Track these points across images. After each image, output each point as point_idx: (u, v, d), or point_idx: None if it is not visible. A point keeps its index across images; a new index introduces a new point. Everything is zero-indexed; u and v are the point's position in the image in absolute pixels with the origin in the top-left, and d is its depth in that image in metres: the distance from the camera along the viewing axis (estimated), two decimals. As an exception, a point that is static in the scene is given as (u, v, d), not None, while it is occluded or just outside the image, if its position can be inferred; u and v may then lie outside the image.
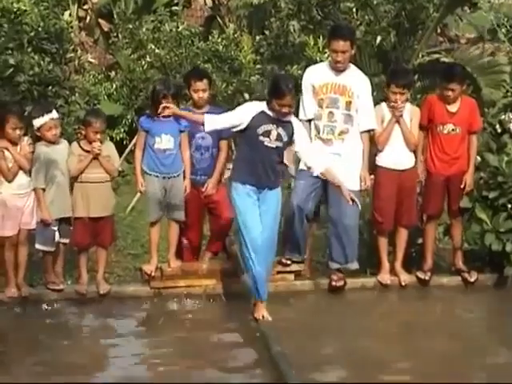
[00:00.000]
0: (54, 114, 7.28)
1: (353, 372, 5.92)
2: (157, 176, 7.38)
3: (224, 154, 7.57)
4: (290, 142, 6.52)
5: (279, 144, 6.44)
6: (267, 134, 6.40)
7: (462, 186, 7.56)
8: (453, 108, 7.55)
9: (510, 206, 7.62)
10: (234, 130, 6.59)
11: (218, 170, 7.53)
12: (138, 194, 8.85)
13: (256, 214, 6.45)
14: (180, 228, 7.60)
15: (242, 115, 6.48)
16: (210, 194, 7.46)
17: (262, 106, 6.48)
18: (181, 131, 7.37)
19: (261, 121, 6.40)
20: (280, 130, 6.42)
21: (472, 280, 7.69)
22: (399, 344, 6.54)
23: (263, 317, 6.56)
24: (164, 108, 6.68)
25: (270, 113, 6.42)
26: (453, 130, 7.53)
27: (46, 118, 7.17)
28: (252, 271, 6.50)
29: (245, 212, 6.46)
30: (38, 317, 7.02)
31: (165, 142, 7.33)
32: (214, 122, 6.56)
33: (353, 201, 6.54)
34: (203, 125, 6.59)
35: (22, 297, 7.17)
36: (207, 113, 7.11)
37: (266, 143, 6.40)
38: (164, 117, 7.23)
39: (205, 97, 7.45)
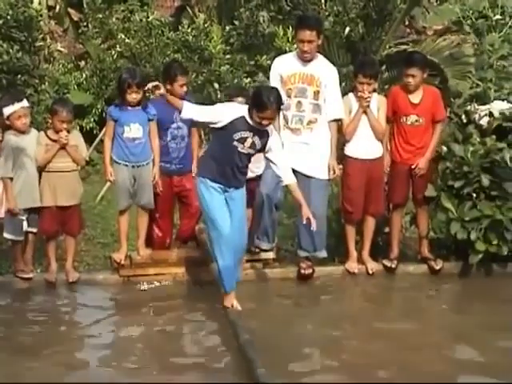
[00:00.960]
0: (25, 103, 7.20)
1: (321, 357, 5.91)
2: (126, 165, 7.33)
3: (196, 140, 7.61)
4: (263, 150, 6.40)
5: (251, 151, 6.34)
6: (242, 140, 6.26)
7: (416, 170, 7.57)
8: (415, 99, 7.56)
9: (474, 195, 7.64)
10: (210, 125, 6.49)
11: (195, 157, 7.56)
12: (108, 184, 8.79)
13: (224, 210, 6.36)
14: (151, 217, 7.57)
15: (222, 115, 6.29)
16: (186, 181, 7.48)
17: (242, 110, 6.28)
18: (149, 120, 7.33)
19: (239, 126, 6.24)
20: (256, 138, 6.28)
21: (438, 268, 7.72)
22: (364, 327, 6.53)
23: (233, 306, 6.52)
24: (155, 88, 6.49)
25: (249, 120, 6.24)
26: (416, 120, 7.55)
27: (16, 107, 7.08)
28: (218, 265, 6.45)
29: (213, 207, 6.36)
30: (7, 304, 6.96)
31: (134, 130, 7.29)
32: (192, 111, 6.43)
33: (309, 221, 6.42)
34: (181, 111, 6.47)
35: (-9, 285, 7.12)
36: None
37: (239, 149, 6.28)
38: (132, 106, 7.20)
39: (184, 90, 7.48)
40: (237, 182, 6.41)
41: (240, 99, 7.42)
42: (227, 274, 6.44)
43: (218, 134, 6.38)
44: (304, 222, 6.45)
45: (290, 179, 6.50)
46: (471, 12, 12.40)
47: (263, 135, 6.31)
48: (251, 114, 6.21)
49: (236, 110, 6.33)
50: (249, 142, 6.27)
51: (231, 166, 6.33)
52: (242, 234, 6.49)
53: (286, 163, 6.52)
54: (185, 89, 7.50)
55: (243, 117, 6.25)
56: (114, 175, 7.35)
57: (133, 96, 7.24)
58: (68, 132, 7.19)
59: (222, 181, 6.35)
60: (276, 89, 6.50)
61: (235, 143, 6.25)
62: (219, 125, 6.29)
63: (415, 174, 7.60)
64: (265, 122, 6.20)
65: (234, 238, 6.35)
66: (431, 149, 7.63)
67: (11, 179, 7.07)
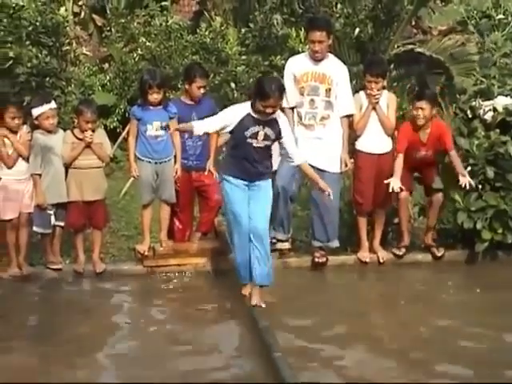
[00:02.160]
0: (53, 104, 7.25)
1: (336, 345, 5.88)
2: (149, 161, 7.36)
3: (215, 138, 7.58)
4: (278, 137, 6.33)
5: (267, 143, 6.29)
6: (255, 135, 6.21)
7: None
8: (424, 137, 7.50)
9: (480, 186, 7.63)
10: (223, 131, 6.45)
11: (213, 154, 7.52)
12: (131, 179, 8.82)
13: (244, 206, 6.32)
14: (172, 210, 7.60)
15: (229, 118, 6.27)
16: (205, 177, 7.46)
17: (247, 108, 6.25)
18: (170, 118, 7.35)
19: (247, 123, 6.20)
20: (267, 129, 6.23)
21: (439, 255, 7.73)
22: (381, 314, 6.58)
23: (250, 294, 6.47)
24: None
25: (255, 115, 6.19)
26: (425, 154, 7.56)
27: (44, 108, 7.13)
28: (236, 257, 6.50)
29: (234, 202, 6.34)
30: (39, 294, 7.02)
31: (156, 129, 7.31)
32: (202, 127, 6.39)
33: (328, 194, 6.45)
34: (193, 131, 6.47)
35: (24, 275, 7.17)
36: (201, 104, 7.38)
37: (254, 144, 6.24)
38: (153, 105, 7.24)
39: (202, 92, 7.49)
40: (260, 176, 6.37)
41: None
42: (242, 266, 6.47)
43: (232, 135, 6.36)
44: (326, 194, 6.45)
45: (301, 159, 6.49)
46: (475, 12, 12.36)
47: (273, 125, 6.25)
48: (254, 105, 6.16)
49: (241, 109, 6.29)
50: (261, 135, 6.23)
51: (250, 162, 6.30)
52: (263, 218, 6.36)
53: (297, 147, 6.53)
54: (202, 91, 7.49)
55: (249, 114, 6.21)
56: (138, 171, 7.38)
57: (154, 96, 7.26)
58: (93, 131, 7.22)
59: (244, 177, 6.33)
60: (278, 78, 6.54)
61: (249, 140, 6.23)
62: (230, 127, 6.27)
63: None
64: (269, 110, 6.13)
65: (252, 227, 6.27)
66: (459, 167, 7.41)
67: (40, 176, 7.12)
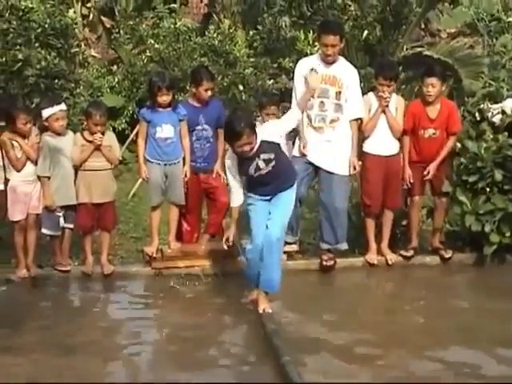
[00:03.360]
0: (63, 106, 7.24)
1: (343, 350, 5.86)
2: (158, 163, 7.36)
3: (222, 140, 7.60)
4: (277, 149, 6.17)
5: (272, 163, 6.13)
6: (257, 168, 6.10)
7: (425, 173, 7.54)
8: (433, 113, 7.52)
9: (488, 189, 7.60)
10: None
11: (220, 157, 7.56)
12: (140, 181, 8.82)
13: (263, 219, 6.21)
14: (180, 212, 7.60)
15: (233, 171, 6.18)
16: (212, 179, 7.50)
17: (233, 155, 6.11)
18: (180, 120, 7.35)
19: (244, 165, 6.10)
20: (262, 156, 6.07)
21: (447, 256, 7.71)
22: (388, 318, 6.54)
23: (264, 310, 6.32)
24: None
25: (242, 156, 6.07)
26: (433, 133, 7.53)
27: (55, 109, 7.12)
28: (245, 267, 6.51)
29: (253, 216, 6.26)
30: (47, 295, 7.02)
31: (166, 131, 7.31)
32: (239, 195, 6.29)
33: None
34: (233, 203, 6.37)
35: (32, 277, 7.17)
36: (208, 106, 7.39)
37: (262, 173, 6.13)
38: (163, 107, 7.23)
39: (209, 94, 7.46)
40: (280, 188, 6.26)
41: (273, 108, 7.42)
42: (251, 274, 6.42)
43: (246, 178, 6.26)
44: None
45: (297, 113, 6.61)
46: (484, 14, 12.34)
47: (265, 147, 6.08)
48: (233, 149, 6.02)
49: (231, 158, 6.16)
50: (261, 163, 6.09)
51: (266, 185, 6.21)
52: (279, 227, 6.20)
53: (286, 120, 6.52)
54: (209, 93, 7.47)
55: (238, 160, 6.09)
56: (147, 173, 7.38)
57: (163, 98, 7.26)
58: (102, 133, 7.22)
59: (266, 193, 6.25)
60: (244, 111, 6.44)
61: (255, 174, 6.13)
62: (241, 173, 6.18)
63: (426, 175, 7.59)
64: (246, 148, 5.96)
65: (269, 232, 6.15)
66: (441, 156, 7.55)
67: (48, 178, 7.12)
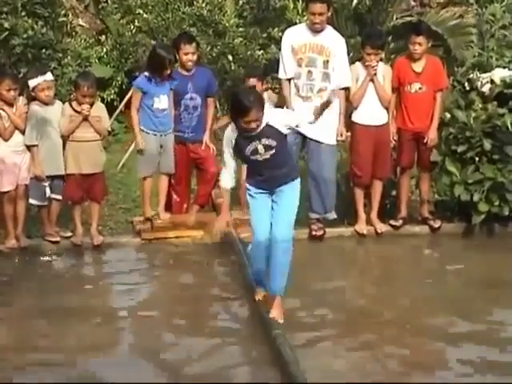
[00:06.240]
0: (49, 76, 7.18)
1: (337, 315, 5.96)
2: (155, 134, 7.39)
3: (212, 110, 7.58)
4: (281, 138, 5.64)
5: (271, 151, 5.59)
6: (255, 151, 5.56)
7: (425, 141, 7.55)
8: (418, 68, 7.53)
9: (477, 159, 7.62)
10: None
11: (208, 127, 7.56)
12: (129, 152, 8.79)
13: (264, 214, 5.79)
14: (169, 182, 7.59)
15: (228, 149, 5.66)
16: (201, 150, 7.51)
17: (231, 133, 5.61)
18: (171, 89, 7.36)
19: (242, 144, 5.57)
20: (264, 140, 5.54)
21: (436, 226, 7.74)
22: (382, 288, 6.60)
23: (274, 318, 5.72)
24: None
25: (244, 133, 5.57)
26: (420, 88, 7.51)
27: (40, 79, 7.08)
28: (251, 267, 6.17)
29: (253, 211, 5.83)
30: (37, 265, 7.03)
31: (163, 102, 7.36)
32: (231, 176, 5.78)
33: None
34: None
35: (21, 247, 7.17)
36: (196, 75, 7.42)
37: (259, 158, 5.60)
38: (162, 79, 7.20)
39: (193, 59, 7.43)
40: (281, 180, 5.73)
41: (251, 80, 7.42)
42: (256, 275, 6.04)
43: (239, 158, 5.78)
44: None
45: (304, 120, 6.47)
46: (474, -17, 12.26)
47: (267, 132, 5.56)
48: (236, 125, 5.53)
49: (228, 136, 5.67)
50: (261, 148, 5.56)
51: (264, 174, 5.70)
52: (285, 226, 5.74)
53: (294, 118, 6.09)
54: (190, 57, 7.40)
55: (237, 136, 5.59)
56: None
57: (168, 72, 7.32)
58: (91, 105, 7.18)
59: (264, 186, 5.77)
60: (253, 89, 6.22)
61: (252, 157, 5.62)
62: (235, 153, 5.66)
63: (425, 143, 7.57)
64: (253, 125, 5.43)
65: (274, 231, 5.73)
66: (436, 118, 7.59)
67: (36, 147, 7.08)
